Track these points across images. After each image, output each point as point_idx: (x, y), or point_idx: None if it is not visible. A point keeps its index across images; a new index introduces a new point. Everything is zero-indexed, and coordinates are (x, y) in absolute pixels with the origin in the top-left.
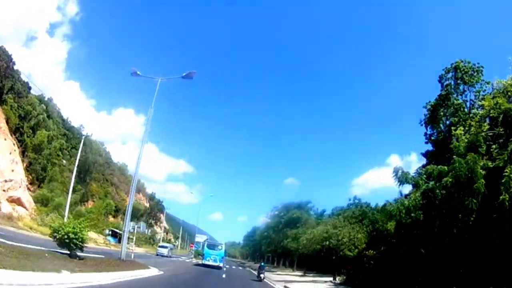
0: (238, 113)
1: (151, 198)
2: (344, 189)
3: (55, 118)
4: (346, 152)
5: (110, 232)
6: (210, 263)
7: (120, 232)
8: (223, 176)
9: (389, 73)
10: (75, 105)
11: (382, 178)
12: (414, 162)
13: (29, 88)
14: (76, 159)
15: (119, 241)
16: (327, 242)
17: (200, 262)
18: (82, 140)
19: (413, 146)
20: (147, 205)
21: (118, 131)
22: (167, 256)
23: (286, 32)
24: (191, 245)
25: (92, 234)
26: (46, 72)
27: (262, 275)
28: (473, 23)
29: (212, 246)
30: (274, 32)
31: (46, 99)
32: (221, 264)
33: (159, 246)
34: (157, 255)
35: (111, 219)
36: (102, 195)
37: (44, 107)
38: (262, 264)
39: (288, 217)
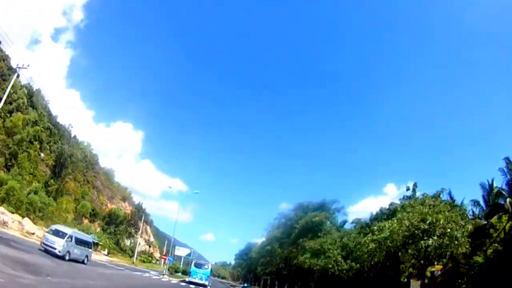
0: (234, 137)
1: (137, 208)
2: (339, 216)
3: (40, 110)
4: (342, 179)
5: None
6: (196, 280)
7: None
8: (217, 197)
9: (390, 101)
10: (74, 115)
11: (379, 206)
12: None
13: (18, 75)
14: (52, 151)
15: None
16: (423, 242)
17: (174, 280)
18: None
19: (410, 176)
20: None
21: (115, 145)
22: (62, 257)
23: (285, 46)
24: (164, 256)
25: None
26: (48, 77)
27: None
28: None
29: (199, 265)
30: (270, 45)
31: (34, 89)
32: (206, 283)
33: (49, 232)
34: (45, 250)
35: (85, 222)
36: (78, 195)
37: (26, 91)
38: (245, 285)
39: (305, 223)
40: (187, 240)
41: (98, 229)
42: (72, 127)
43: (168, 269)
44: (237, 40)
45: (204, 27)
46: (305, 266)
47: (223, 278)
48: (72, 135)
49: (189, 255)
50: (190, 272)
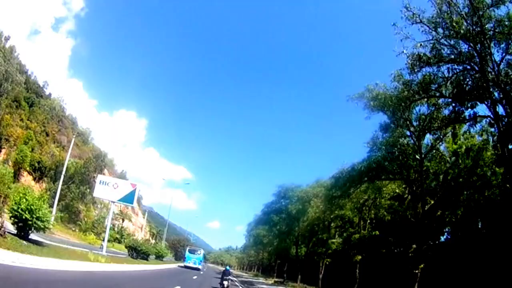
0: (239, 124)
1: (95, 156)
2: None
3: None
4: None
5: None
6: (191, 265)
7: None
8: (222, 184)
9: None
10: (77, 104)
11: None
12: None
13: None
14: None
15: None
16: None
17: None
18: None
19: None
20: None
21: (119, 133)
22: None
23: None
24: None
25: None
26: (50, 68)
27: (226, 282)
28: None
29: (193, 251)
30: (279, 37)
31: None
32: (200, 266)
33: None
34: None
35: (24, 179)
36: (21, 142)
37: None
38: (227, 268)
39: None
40: (192, 229)
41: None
42: (48, 84)
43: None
44: (236, 25)
45: (204, 13)
46: None
47: (228, 266)
48: (47, 93)
49: (130, 199)
50: (185, 258)
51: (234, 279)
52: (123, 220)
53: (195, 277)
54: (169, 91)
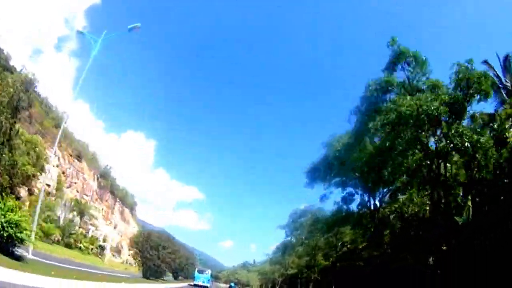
0: (251, 142)
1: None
2: None
3: None
4: None
5: None
6: (200, 283)
7: None
8: (235, 203)
9: None
10: (85, 125)
11: None
12: None
13: None
14: None
15: None
16: None
17: None
18: None
19: None
20: None
21: (127, 155)
22: None
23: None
24: None
25: None
26: (56, 89)
27: None
28: None
29: (201, 271)
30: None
31: None
32: (208, 285)
33: None
34: None
35: None
36: None
37: None
38: (232, 285)
39: None
40: (204, 248)
41: None
42: (26, 69)
43: None
44: (247, 48)
45: (211, 31)
46: None
47: (246, 285)
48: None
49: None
50: (194, 277)
51: None
52: (81, 215)
53: None
54: (177, 111)
